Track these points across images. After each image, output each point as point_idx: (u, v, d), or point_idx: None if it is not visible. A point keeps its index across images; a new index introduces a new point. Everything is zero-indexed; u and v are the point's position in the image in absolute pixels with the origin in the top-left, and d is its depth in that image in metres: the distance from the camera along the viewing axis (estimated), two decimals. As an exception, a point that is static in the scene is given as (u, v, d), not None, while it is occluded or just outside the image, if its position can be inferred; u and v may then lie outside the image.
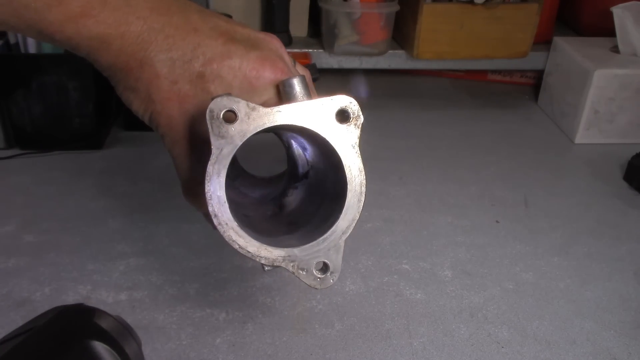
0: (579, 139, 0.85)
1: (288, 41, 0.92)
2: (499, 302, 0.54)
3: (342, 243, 0.35)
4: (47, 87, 0.72)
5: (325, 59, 0.90)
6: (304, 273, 0.36)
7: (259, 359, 0.47)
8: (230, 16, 0.91)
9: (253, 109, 0.34)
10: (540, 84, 0.97)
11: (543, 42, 0.95)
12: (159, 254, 0.58)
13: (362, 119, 0.34)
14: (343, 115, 0.34)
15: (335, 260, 0.36)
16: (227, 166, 0.34)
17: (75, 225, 0.61)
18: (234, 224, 0.35)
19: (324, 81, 1.05)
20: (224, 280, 0.55)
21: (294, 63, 0.43)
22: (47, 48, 0.75)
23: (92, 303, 0.51)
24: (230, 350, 0.47)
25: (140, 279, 0.54)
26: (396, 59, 0.92)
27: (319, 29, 0.92)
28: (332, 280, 0.36)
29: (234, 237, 0.36)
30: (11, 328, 0.48)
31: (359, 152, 0.35)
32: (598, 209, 0.69)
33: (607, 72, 0.80)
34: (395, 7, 0.86)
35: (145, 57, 0.35)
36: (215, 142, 0.34)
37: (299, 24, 0.94)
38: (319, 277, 0.36)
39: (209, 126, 0.33)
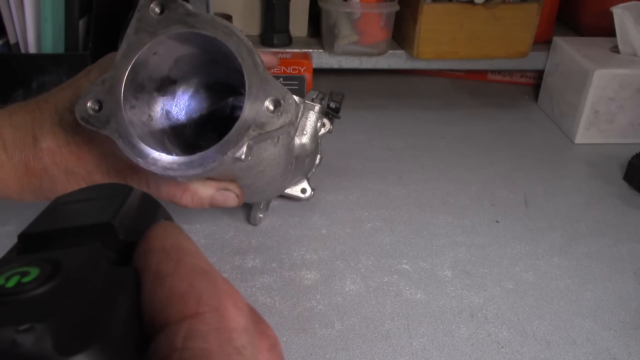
0: (579, 139, 0.85)
1: (288, 41, 0.92)
2: (499, 302, 0.54)
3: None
4: (47, 87, 0.72)
5: (325, 59, 0.90)
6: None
7: (259, 359, 0.47)
8: (230, 16, 0.91)
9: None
10: (540, 84, 0.97)
11: (543, 42, 0.95)
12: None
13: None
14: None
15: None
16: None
17: (75, 225, 0.61)
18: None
19: (323, 81, 1.05)
20: (224, 280, 0.55)
21: None
22: (47, 48, 0.75)
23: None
24: (230, 350, 0.47)
25: (140, 279, 0.54)
26: (396, 59, 0.92)
27: (319, 29, 0.92)
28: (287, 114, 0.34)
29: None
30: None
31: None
32: (598, 209, 0.69)
33: (607, 72, 0.80)
34: (395, 7, 0.86)
35: (30, 158, 0.37)
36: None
37: (299, 24, 0.95)
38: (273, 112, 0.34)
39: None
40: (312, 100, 0.59)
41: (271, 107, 0.33)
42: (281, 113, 0.33)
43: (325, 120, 0.65)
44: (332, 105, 0.65)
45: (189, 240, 0.18)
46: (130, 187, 0.21)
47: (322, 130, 0.63)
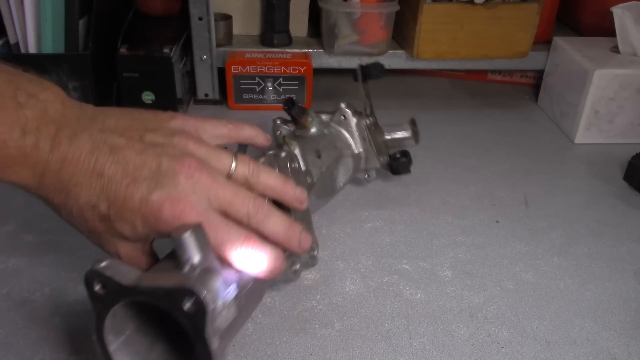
0: (579, 139, 0.85)
1: (288, 41, 0.92)
2: (499, 302, 0.54)
3: None
4: (47, 87, 0.72)
5: (325, 59, 0.90)
6: None
7: (259, 359, 0.47)
8: (230, 16, 0.91)
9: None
10: (540, 84, 0.97)
11: (543, 42, 0.95)
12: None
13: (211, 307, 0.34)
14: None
15: None
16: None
17: (75, 225, 0.61)
18: None
19: (323, 82, 1.05)
20: (224, 280, 0.55)
21: (235, 159, 0.42)
22: (47, 48, 0.75)
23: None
24: (230, 350, 0.47)
25: (140, 279, 0.54)
26: (396, 59, 0.92)
27: (319, 29, 0.92)
28: None
29: None
30: (11, 328, 0.49)
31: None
32: (598, 209, 0.69)
33: (607, 72, 0.80)
34: (395, 7, 0.86)
35: (59, 202, 0.40)
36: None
37: (299, 24, 0.95)
38: None
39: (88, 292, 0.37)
40: (389, 158, 0.64)
41: None
42: None
43: (373, 173, 0.68)
44: (396, 169, 0.66)
45: None
46: None
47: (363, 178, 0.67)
